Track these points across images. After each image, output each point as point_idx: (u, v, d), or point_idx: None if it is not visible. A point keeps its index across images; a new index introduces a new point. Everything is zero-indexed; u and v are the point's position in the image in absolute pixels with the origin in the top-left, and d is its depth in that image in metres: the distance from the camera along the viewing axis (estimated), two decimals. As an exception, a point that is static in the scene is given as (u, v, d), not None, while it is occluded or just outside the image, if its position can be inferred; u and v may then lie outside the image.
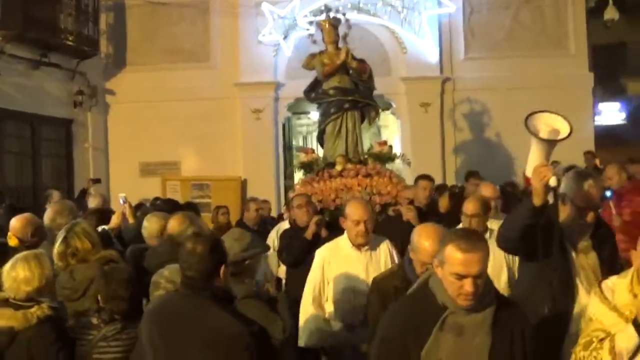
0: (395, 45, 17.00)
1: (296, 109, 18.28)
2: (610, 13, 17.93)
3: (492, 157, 16.33)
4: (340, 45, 11.43)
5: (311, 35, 12.11)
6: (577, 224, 4.69)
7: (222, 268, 4.25)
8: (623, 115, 24.64)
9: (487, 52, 17.28)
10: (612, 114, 24.00)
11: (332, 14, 11.76)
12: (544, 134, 4.63)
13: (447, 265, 3.60)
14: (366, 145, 11.89)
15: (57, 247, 6.14)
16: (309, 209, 8.20)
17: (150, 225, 7.36)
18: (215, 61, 17.04)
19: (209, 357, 4.01)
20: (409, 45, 16.95)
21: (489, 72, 16.93)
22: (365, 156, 11.33)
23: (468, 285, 3.54)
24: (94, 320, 5.00)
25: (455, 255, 3.57)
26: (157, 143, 16.64)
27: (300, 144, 19.64)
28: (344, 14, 11.91)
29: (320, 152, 12.28)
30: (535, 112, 4.78)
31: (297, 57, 16.76)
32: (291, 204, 8.73)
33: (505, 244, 4.86)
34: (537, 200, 4.39)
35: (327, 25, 11.50)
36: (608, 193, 8.70)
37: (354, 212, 6.02)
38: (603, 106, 23.32)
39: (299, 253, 7.68)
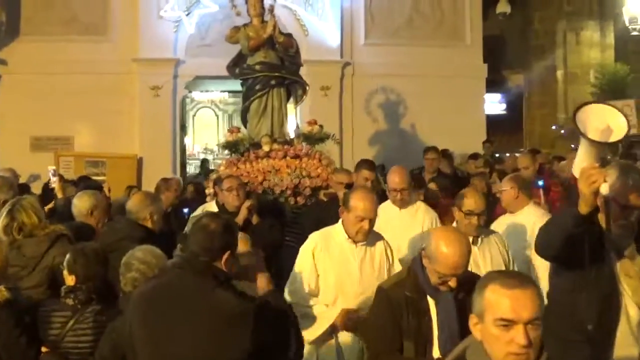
0: (297, 27, 16.88)
1: (194, 87, 18.03)
2: (503, 6, 18.50)
3: (390, 142, 16.58)
4: (266, 18, 10.84)
5: (234, 6, 11.28)
6: (619, 226, 4.19)
7: (227, 255, 4.12)
8: (504, 106, 25.45)
9: (387, 39, 17.50)
10: (493, 104, 24.70)
11: None
12: (594, 133, 4.00)
13: (489, 312, 2.75)
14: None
15: (1, 221, 5.88)
16: (239, 193, 7.73)
17: (81, 204, 7.14)
18: (114, 35, 16.46)
19: (215, 336, 3.89)
20: (311, 28, 16.94)
21: (388, 58, 17.14)
22: (292, 136, 10.90)
23: (520, 335, 2.65)
24: (69, 301, 4.76)
25: (499, 295, 2.74)
26: (50, 117, 15.92)
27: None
28: None
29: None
30: (586, 104, 4.19)
31: (199, 35, 16.61)
32: (220, 186, 8.13)
33: (544, 252, 4.33)
34: (584, 208, 3.81)
35: None
36: (540, 182, 8.91)
37: (360, 207, 5.33)
38: (486, 97, 24.03)
39: None
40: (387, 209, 6.86)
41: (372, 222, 5.39)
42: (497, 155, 16.94)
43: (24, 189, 8.87)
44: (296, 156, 10.09)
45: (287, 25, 16.85)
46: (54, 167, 8.86)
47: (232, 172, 9.37)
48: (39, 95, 15.88)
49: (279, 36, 10.68)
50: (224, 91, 24.19)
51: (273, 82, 10.59)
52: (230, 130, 10.89)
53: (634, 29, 19.46)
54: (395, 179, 7.08)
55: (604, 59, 20.53)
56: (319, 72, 16.84)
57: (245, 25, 10.89)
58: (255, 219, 7.53)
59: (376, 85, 17.34)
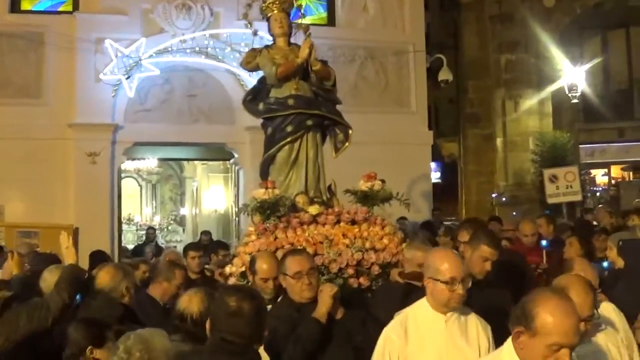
0: (241, 93, 16.22)
1: (133, 154, 17.27)
2: (445, 74, 18.38)
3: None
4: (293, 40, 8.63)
5: (249, 23, 8.83)
6: None
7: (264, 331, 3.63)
8: (438, 174, 25.40)
9: (332, 105, 17.09)
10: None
11: None
12: None
13: None
14: None
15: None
16: (312, 280, 5.15)
17: (52, 278, 6.38)
18: (49, 98, 15.58)
19: None
20: (255, 94, 16.40)
21: (333, 125, 16.70)
22: (329, 194, 8.34)
23: None
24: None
25: None
26: (-22, 185, 14.91)
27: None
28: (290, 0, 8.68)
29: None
30: None
31: (138, 100, 15.89)
32: (281, 269, 5.35)
33: None
34: None
35: (275, 11, 8.38)
36: (544, 243, 8.55)
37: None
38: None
39: (314, 345, 4.86)
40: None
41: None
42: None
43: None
44: (352, 222, 7.63)
45: (230, 91, 16.46)
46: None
47: (269, 244, 7.10)
48: (-34, 161, 14.86)
49: (315, 62, 8.23)
50: (162, 159, 23.33)
51: (310, 122, 8.12)
52: (264, 185, 7.73)
53: (574, 97, 19.74)
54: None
55: (542, 127, 20.65)
56: (263, 139, 16.31)
57: (267, 47, 8.50)
58: (340, 313, 5.10)
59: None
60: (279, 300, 5.37)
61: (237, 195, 17.78)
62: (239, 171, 17.19)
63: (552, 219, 11.15)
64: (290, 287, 5.15)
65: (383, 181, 8.17)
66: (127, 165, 23.82)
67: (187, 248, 9.45)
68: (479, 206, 21.90)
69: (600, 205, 16.26)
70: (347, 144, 8.47)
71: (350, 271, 7.00)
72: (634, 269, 7.30)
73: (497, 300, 5.27)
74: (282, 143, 8.05)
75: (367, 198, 7.97)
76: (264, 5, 8.44)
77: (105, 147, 15.73)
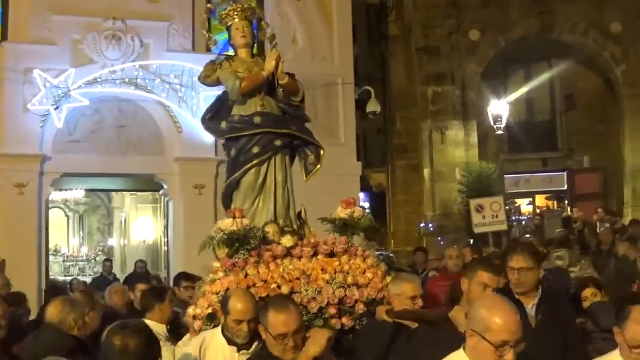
0: (171, 124, 16.38)
1: (61, 185, 17.08)
2: (373, 106, 18.68)
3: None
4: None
5: (209, 35, 8.06)
6: None
7: None
8: (367, 205, 25.61)
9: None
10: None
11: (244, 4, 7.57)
12: None
13: None
14: None
15: None
16: (297, 342, 4.48)
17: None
18: (-25, 128, 15.40)
19: None
20: (185, 125, 16.34)
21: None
22: (299, 223, 7.38)
23: None
24: None
25: None
26: None
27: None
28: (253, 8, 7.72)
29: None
30: None
31: (67, 130, 15.76)
32: (262, 322, 4.67)
33: None
34: None
35: (236, 19, 7.41)
36: None
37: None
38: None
39: None
40: None
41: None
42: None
43: None
44: (330, 254, 6.65)
45: (159, 122, 16.46)
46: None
47: (238, 281, 6.17)
48: None
49: (282, 76, 7.27)
50: (91, 190, 23.08)
51: (278, 142, 7.16)
52: (231, 214, 6.62)
53: (499, 128, 20.28)
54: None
55: (468, 157, 21.08)
56: (193, 170, 16.39)
57: (228, 59, 7.53)
58: None
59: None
60: (256, 350, 4.85)
61: (166, 226, 17.74)
62: (168, 202, 17.11)
63: (477, 248, 11.40)
64: (270, 344, 4.50)
65: (363, 207, 7.28)
66: (54, 195, 23.60)
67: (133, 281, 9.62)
68: (407, 236, 22.22)
69: (526, 236, 16.67)
70: (318, 166, 7.57)
71: (332, 310, 6.14)
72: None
73: None
74: (247, 166, 7.10)
75: (346, 227, 7.00)
76: (223, 12, 7.54)
77: (33, 178, 15.49)
